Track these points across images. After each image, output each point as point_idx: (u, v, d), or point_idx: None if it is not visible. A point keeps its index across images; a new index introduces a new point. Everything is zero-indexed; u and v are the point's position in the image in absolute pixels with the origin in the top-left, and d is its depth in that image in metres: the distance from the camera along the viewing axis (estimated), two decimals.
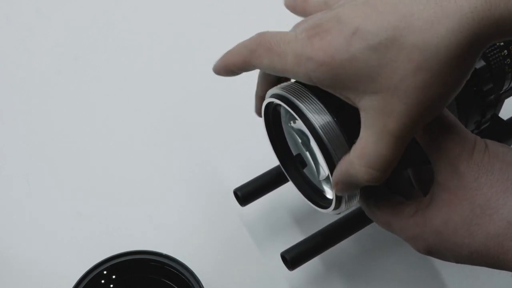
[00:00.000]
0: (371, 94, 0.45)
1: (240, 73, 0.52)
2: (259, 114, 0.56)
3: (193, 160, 0.70)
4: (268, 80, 0.55)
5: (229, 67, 0.51)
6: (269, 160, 0.62)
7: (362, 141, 0.46)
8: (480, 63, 0.54)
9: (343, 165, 0.48)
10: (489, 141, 0.49)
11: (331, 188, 0.51)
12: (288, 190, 0.63)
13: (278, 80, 0.55)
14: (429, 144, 0.49)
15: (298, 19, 0.50)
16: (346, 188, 0.49)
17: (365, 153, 0.46)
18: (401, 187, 0.53)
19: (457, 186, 0.48)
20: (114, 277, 0.59)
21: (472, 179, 0.47)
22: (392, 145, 0.46)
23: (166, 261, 0.59)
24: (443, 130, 0.48)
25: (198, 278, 0.58)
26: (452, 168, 0.48)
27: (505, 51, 0.56)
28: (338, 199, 0.52)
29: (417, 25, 0.43)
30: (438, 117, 0.48)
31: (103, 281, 0.59)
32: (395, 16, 0.43)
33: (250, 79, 0.62)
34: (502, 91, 0.58)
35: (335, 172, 0.49)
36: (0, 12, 0.80)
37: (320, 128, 0.49)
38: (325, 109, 0.49)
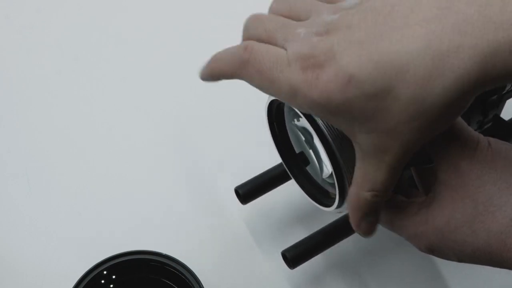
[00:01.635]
0: (366, 133, 0.46)
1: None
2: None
3: (193, 160, 0.70)
4: None
5: (216, 76, 0.50)
6: (271, 159, 0.62)
7: (362, 171, 0.48)
8: None
9: (353, 202, 0.49)
10: (491, 139, 0.49)
11: (334, 185, 0.51)
12: (290, 189, 0.63)
13: None
14: (432, 142, 0.49)
15: None
16: (364, 219, 0.50)
17: (367, 181, 0.48)
18: (402, 187, 0.53)
19: (460, 184, 0.48)
20: (114, 277, 0.59)
21: (475, 177, 0.47)
22: (390, 172, 0.47)
23: (166, 261, 0.59)
24: (446, 129, 0.48)
25: (198, 278, 0.58)
26: (455, 166, 0.48)
27: None
28: (341, 198, 0.52)
29: (412, 81, 0.43)
30: None
31: (103, 281, 0.59)
32: (390, 69, 0.43)
33: None
34: (504, 92, 0.58)
35: (350, 215, 0.50)
36: (0, 12, 0.80)
37: (324, 126, 0.49)
38: None
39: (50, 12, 0.80)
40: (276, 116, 0.56)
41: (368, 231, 0.50)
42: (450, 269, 0.64)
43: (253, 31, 0.49)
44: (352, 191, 0.49)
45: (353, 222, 0.50)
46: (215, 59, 0.50)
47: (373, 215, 0.49)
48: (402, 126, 0.44)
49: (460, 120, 0.48)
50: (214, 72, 0.50)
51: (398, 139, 0.45)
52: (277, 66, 0.46)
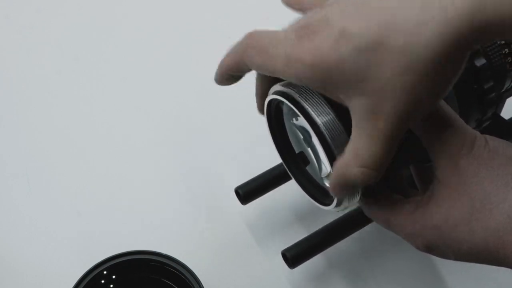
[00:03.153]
0: (360, 95, 0.45)
1: (239, 76, 0.52)
2: (262, 112, 0.56)
3: (193, 159, 0.70)
4: (266, 78, 0.55)
5: (225, 73, 0.52)
6: (271, 159, 0.62)
7: (355, 142, 0.47)
8: (481, 61, 0.53)
9: (338, 168, 0.48)
10: (489, 137, 0.49)
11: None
12: (290, 189, 0.63)
13: (276, 78, 0.55)
14: (429, 140, 0.49)
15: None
16: (343, 190, 0.49)
17: (358, 154, 0.47)
18: (400, 186, 0.53)
19: (457, 181, 0.48)
20: (114, 277, 0.59)
21: (472, 174, 0.47)
22: (384, 144, 0.46)
23: (166, 261, 0.59)
24: (443, 126, 0.48)
25: (198, 278, 0.58)
26: (452, 164, 0.48)
27: (506, 49, 0.55)
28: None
29: (402, 29, 0.43)
30: (438, 113, 0.48)
31: (103, 281, 0.59)
32: (381, 19, 0.44)
33: (250, 79, 0.62)
34: (503, 90, 0.58)
35: (332, 176, 0.49)
36: (0, 12, 0.80)
37: (322, 125, 0.49)
38: (327, 106, 0.49)
39: (50, 12, 0.80)
40: (275, 116, 0.56)
41: (343, 197, 0.50)
42: (449, 268, 0.64)
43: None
44: (341, 162, 0.47)
45: (332, 189, 0.49)
46: (222, 59, 0.51)
47: (356, 190, 0.49)
48: (394, 81, 0.44)
49: (457, 118, 0.48)
50: (224, 70, 0.51)
51: (391, 99, 0.44)
52: (274, 41, 0.47)
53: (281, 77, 0.49)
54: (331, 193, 0.50)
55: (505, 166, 0.47)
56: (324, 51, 0.44)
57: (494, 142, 0.48)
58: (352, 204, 0.53)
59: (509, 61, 0.56)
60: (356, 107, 0.46)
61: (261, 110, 0.56)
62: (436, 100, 0.46)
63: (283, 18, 0.56)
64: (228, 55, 0.51)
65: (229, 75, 0.52)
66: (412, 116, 0.45)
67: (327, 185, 0.56)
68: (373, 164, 0.46)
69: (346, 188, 0.48)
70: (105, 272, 0.58)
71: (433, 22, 0.42)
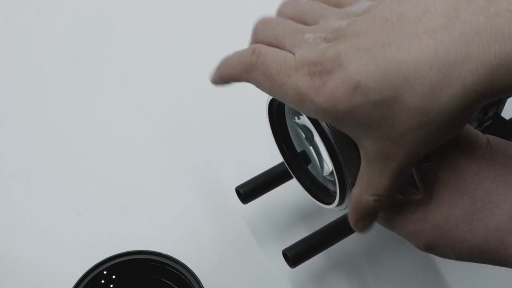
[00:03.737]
0: (372, 139, 0.46)
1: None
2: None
3: (193, 159, 0.70)
4: None
5: (225, 79, 0.51)
6: (272, 158, 0.62)
7: (366, 176, 0.48)
8: None
9: (355, 203, 0.49)
10: (490, 136, 0.49)
11: (335, 183, 0.51)
12: (290, 188, 0.63)
13: None
14: None
15: None
16: (362, 220, 0.50)
17: (371, 185, 0.48)
18: (401, 185, 0.53)
19: (458, 181, 0.48)
20: (114, 277, 0.59)
21: (473, 173, 0.48)
22: (393, 178, 0.47)
23: (166, 261, 0.58)
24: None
25: (198, 278, 0.58)
26: (453, 163, 0.48)
27: None
28: (342, 195, 0.52)
29: (419, 90, 0.43)
30: None
31: (103, 281, 0.59)
32: (397, 78, 0.43)
33: None
34: None
35: (350, 213, 0.50)
36: (0, 12, 0.80)
37: (325, 126, 0.49)
38: None
39: (50, 12, 0.80)
40: (277, 114, 0.56)
41: (364, 230, 0.51)
42: (449, 268, 0.64)
43: (262, 34, 0.50)
44: (355, 193, 0.49)
45: (351, 220, 0.50)
46: (223, 63, 0.51)
47: (372, 217, 0.50)
48: (408, 135, 0.45)
49: None
50: (223, 76, 0.51)
51: (404, 147, 0.45)
52: (284, 70, 0.46)
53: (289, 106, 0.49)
54: (350, 222, 0.51)
55: (506, 165, 0.47)
56: (337, 98, 0.44)
57: (496, 141, 0.48)
58: None
59: None
60: (367, 148, 0.47)
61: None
62: (444, 142, 0.47)
63: None
64: (231, 65, 0.50)
65: (228, 82, 0.51)
66: (421, 156, 0.47)
67: (329, 184, 0.56)
68: (384, 193, 0.48)
69: (363, 217, 0.50)
70: (105, 272, 0.58)
71: (451, 88, 0.43)
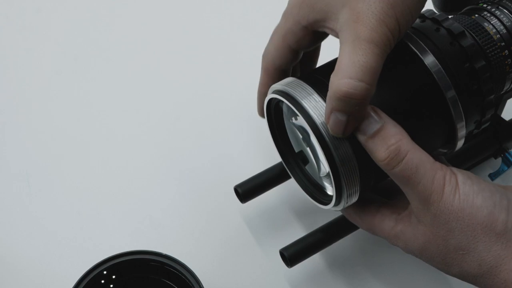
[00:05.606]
0: (342, 8, 0.47)
1: None
2: (261, 114, 0.56)
3: (192, 159, 0.70)
4: (271, 78, 0.55)
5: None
6: (270, 158, 0.62)
7: (339, 58, 0.47)
8: (480, 63, 0.53)
9: (328, 92, 0.48)
10: (460, 177, 0.49)
11: (332, 184, 0.51)
12: (289, 188, 0.63)
13: (280, 77, 0.55)
14: (402, 185, 0.50)
15: None
16: (334, 112, 0.48)
17: (341, 66, 0.46)
18: (384, 187, 0.54)
19: (431, 223, 0.49)
20: (114, 277, 0.59)
21: (443, 222, 0.48)
22: (366, 50, 0.46)
23: (166, 261, 0.59)
24: (412, 172, 0.48)
25: (198, 278, 0.58)
26: (425, 207, 0.49)
27: (506, 51, 0.55)
28: (338, 196, 0.52)
29: None
30: (404, 160, 0.48)
31: (103, 281, 0.59)
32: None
33: (250, 79, 0.62)
34: (503, 92, 0.58)
35: (327, 97, 0.48)
36: (0, 12, 0.80)
37: (321, 125, 0.50)
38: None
39: (50, 12, 0.80)
40: (275, 115, 0.56)
41: (334, 128, 0.48)
42: None
43: None
44: (331, 80, 0.47)
45: (326, 115, 0.49)
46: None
47: (343, 111, 0.47)
48: None
49: (424, 161, 0.49)
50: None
51: (368, 4, 0.46)
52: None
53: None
54: (325, 117, 0.49)
55: (475, 216, 0.48)
56: None
57: (465, 187, 0.49)
58: (349, 203, 0.53)
59: (509, 63, 0.55)
60: (341, 24, 0.47)
61: (261, 112, 0.56)
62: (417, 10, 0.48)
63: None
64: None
65: None
66: (391, 19, 0.46)
67: (326, 184, 0.56)
68: (355, 73, 0.46)
69: (340, 107, 0.47)
70: (105, 272, 0.58)
71: None
